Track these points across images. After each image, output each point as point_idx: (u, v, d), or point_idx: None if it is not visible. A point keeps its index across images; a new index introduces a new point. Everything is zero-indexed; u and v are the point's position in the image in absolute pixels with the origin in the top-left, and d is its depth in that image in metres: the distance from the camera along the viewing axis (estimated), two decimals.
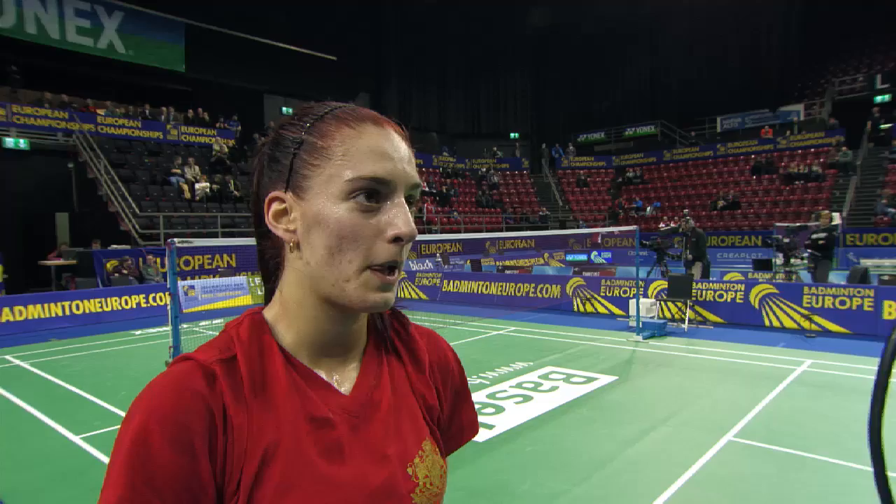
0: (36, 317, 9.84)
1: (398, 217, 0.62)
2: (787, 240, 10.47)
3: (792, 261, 10.24)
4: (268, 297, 0.71)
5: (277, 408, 0.62)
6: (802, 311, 8.23)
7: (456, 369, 0.82)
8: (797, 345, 7.34)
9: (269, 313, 0.68)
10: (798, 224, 12.76)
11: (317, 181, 0.62)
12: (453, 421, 0.81)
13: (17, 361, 7.44)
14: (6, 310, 9.59)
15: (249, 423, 0.60)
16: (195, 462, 0.57)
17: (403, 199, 0.63)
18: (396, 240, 0.62)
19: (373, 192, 0.61)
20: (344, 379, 0.68)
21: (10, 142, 13.97)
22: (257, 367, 0.63)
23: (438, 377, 0.78)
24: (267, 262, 0.69)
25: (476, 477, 3.73)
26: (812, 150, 21.48)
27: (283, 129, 0.65)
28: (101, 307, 10.63)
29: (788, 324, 8.37)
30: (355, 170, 0.61)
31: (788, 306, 8.40)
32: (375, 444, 0.66)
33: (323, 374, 0.67)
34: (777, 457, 3.90)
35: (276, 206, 0.64)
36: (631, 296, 9.35)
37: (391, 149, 0.63)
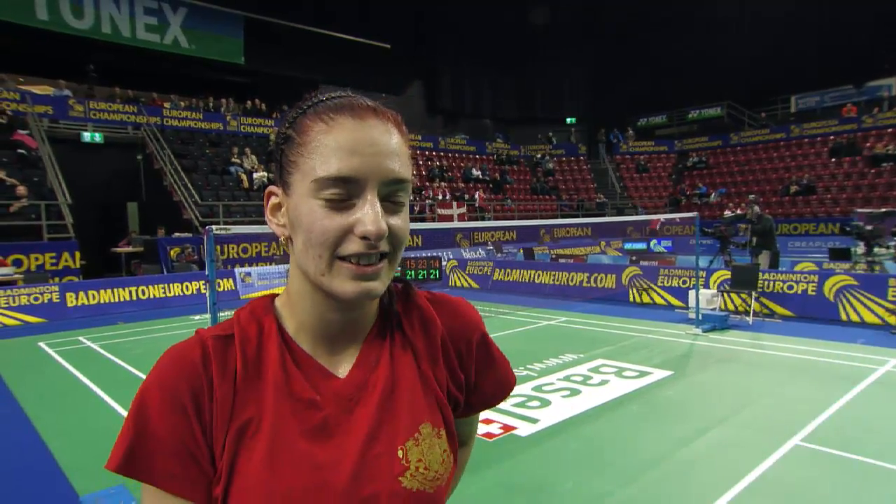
0: (106, 301, 10.48)
1: (367, 215, 0.61)
2: (869, 227, 9.60)
3: (875, 250, 9.40)
4: None
5: (264, 386, 0.65)
6: (888, 304, 7.54)
7: (475, 330, 0.79)
8: (880, 342, 6.72)
9: (279, 300, 0.72)
10: (884, 210, 11.65)
11: (296, 177, 0.63)
12: (482, 382, 0.80)
13: (88, 342, 7.92)
14: (81, 294, 10.27)
15: (234, 396, 0.64)
16: (188, 421, 0.62)
17: (375, 197, 0.62)
18: (365, 238, 0.61)
19: (343, 189, 0.61)
20: (342, 363, 0.70)
21: (87, 136, 14.92)
22: (252, 347, 0.67)
23: (461, 344, 0.77)
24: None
25: (516, 473, 3.61)
26: None
27: (279, 125, 0.68)
28: (165, 293, 11.17)
29: (870, 319, 7.70)
30: (321, 168, 0.61)
31: (870, 299, 7.73)
32: (365, 426, 0.66)
33: (321, 360, 0.69)
34: (849, 465, 3.55)
35: (272, 201, 0.68)
36: (691, 286, 8.88)
37: (364, 143, 0.61)
